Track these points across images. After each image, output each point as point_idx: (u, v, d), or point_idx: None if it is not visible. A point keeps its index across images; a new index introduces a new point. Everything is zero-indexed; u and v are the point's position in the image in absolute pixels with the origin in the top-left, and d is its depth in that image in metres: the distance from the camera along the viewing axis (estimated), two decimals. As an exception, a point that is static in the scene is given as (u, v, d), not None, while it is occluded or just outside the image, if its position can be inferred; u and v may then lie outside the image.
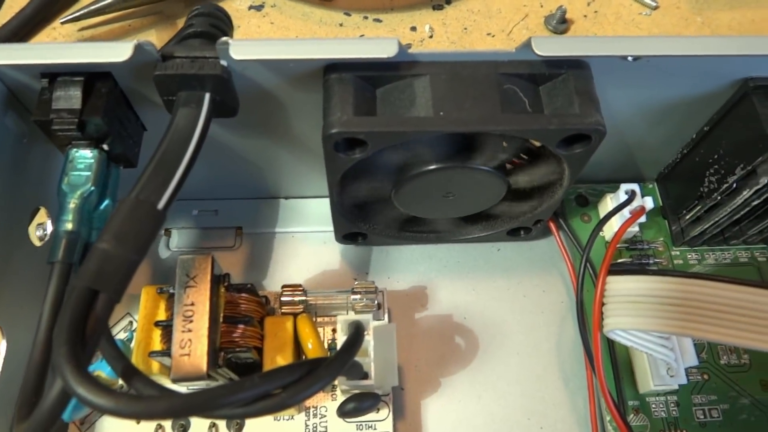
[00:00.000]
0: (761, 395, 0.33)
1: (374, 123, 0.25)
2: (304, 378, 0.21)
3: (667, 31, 0.45)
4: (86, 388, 0.19)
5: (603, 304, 0.28)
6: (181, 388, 0.28)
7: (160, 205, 0.23)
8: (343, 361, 0.23)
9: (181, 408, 0.19)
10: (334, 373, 0.22)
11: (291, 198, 0.39)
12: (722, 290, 0.25)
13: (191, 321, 0.25)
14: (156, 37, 0.43)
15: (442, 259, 0.37)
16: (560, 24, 0.44)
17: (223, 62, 0.25)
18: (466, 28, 0.45)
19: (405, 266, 0.37)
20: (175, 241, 0.37)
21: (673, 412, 0.32)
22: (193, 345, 0.25)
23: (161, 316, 0.28)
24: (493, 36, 0.44)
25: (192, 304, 0.26)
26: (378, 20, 0.45)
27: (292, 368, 0.21)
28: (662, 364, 0.31)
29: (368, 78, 0.26)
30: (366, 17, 0.45)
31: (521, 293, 0.36)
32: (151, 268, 0.36)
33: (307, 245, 0.37)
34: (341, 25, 0.45)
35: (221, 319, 0.27)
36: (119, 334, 0.32)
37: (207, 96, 0.26)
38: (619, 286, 0.27)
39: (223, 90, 0.26)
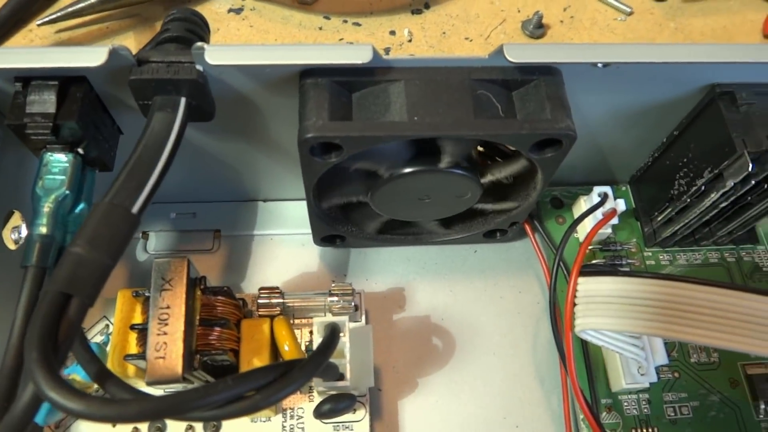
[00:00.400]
0: (730, 392, 0.34)
1: (349, 128, 0.25)
2: (278, 380, 0.21)
3: (641, 37, 0.46)
4: (58, 393, 0.19)
5: (574, 305, 0.28)
6: (158, 391, 0.28)
7: (135, 209, 0.23)
8: (317, 363, 0.23)
9: (153, 411, 0.19)
10: (308, 375, 0.22)
11: (269, 201, 0.39)
12: (691, 291, 0.26)
13: (166, 324, 0.25)
14: (134, 40, 0.43)
15: (419, 260, 0.38)
16: (537, 29, 0.45)
17: (199, 67, 0.26)
18: (444, 33, 0.45)
19: (383, 268, 0.37)
20: (152, 244, 0.37)
21: (645, 410, 0.33)
22: (169, 348, 0.25)
23: (137, 319, 0.28)
24: (471, 40, 0.45)
25: (167, 307, 0.26)
26: (357, 24, 0.45)
27: (266, 370, 0.22)
28: (633, 363, 0.31)
29: (344, 83, 0.26)
30: (345, 21, 0.45)
31: (498, 294, 0.37)
32: (128, 271, 0.36)
33: (285, 248, 0.38)
34: (321, 28, 0.45)
35: (197, 322, 0.27)
36: (96, 338, 0.32)
37: (183, 100, 0.26)
38: (589, 286, 0.27)
39: (199, 95, 0.26)
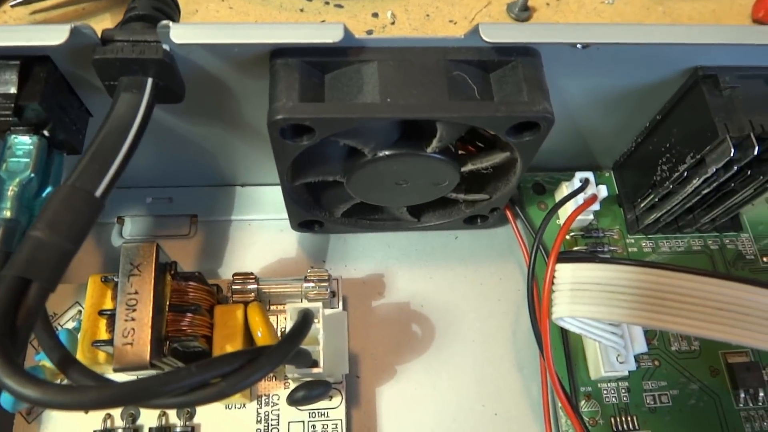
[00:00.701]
0: (710, 381, 0.33)
1: (320, 109, 0.25)
2: (245, 367, 0.21)
3: (628, 20, 0.45)
4: (13, 379, 0.18)
5: (552, 291, 0.28)
6: (128, 378, 0.28)
7: (98, 192, 0.23)
8: (285, 350, 0.22)
9: (111, 398, 0.18)
10: (275, 363, 0.22)
11: (247, 185, 0.38)
12: (670, 278, 0.25)
13: (134, 310, 0.25)
14: (110, 22, 0.42)
15: (399, 246, 0.37)
16: (522, 12, 0.44)
17: (165, 46, 0.25)
18: (428, 15, 0.44)
19: (362, 254, 0.37)
20: (128, 229, 0.36)
21: (624, 398, 0.33)
22: (136, 334, 0.24)
23: (108, 305, 0.27)
24: (456, 23, 0.44)
25: (135, 293, 0.25)
26: (339, 6, 0.44)
27: (232, 357, 0.21)
28: (612, 351, 0.31)
29: (316, 64, 0.26)
30: (327, 3, 0.44)
31: (478, 281, 0.36)
32: (103, 256, 0.36)
33: (263, 233, 0.37)
34: (302, 10, 0.44)
35: (167, 308, 0.26)
36: (68, 324, 0.32)
37: (149, 81, 0.25)
38: (567, 273, 0.27)
39: (167, 75, 0.26)
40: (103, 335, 0.27)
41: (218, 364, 0.20)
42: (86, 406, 0.18)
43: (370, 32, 0.43)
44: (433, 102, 0.25)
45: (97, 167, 0.23)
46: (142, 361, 0.24)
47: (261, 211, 0.37)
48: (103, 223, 0.37)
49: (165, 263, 0.27)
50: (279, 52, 0.25)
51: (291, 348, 0.23)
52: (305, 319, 0.25)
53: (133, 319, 0.25)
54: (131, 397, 0.19)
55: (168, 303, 0.27)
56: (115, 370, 0.24)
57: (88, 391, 0.18)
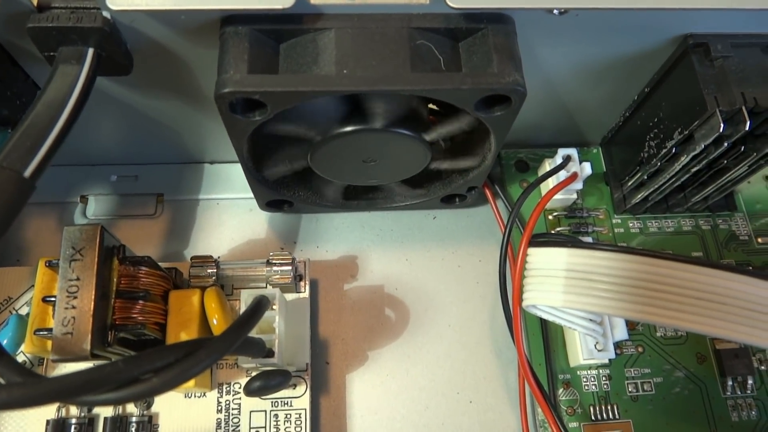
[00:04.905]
0: (696, 368, 0.32)
1: (270, 82, 0.23)
2: (181, 361, 0.19)
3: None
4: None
5: (524, 277, 0.26)
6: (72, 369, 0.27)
7: (27, 172, 0.21)
8: (228, 341, 0.21)
9: (26, 398, 0.17)
10: (216, 355, 0.20)
11: (216, 163, 0.36)
12: (649, 266, 0.24)
13: (75, 297, 0.23)
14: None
15: (374, 227, 0.35)
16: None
17: (105, 14, 0.23)
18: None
19: (335, 235, 0.35)
20: (92, 209, 0.35)
21: (605, 386, 0.31)
22: (77, 323, 0.23)
23: (55, 290, 0.26)
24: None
25: (77, 279, 0.24)
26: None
27: (167, 350, 0.20)
28: (590, 337, 0.29)
29: (269, 32, 0.24)
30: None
31: (456, 263, 0.35)
32: (64, 237, 0.34)
33: (232, 213, 0.35)
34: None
35: (114, 295, 0.25)
36: (22, 309, 0.31)
37: (90, 51, 0.24)
38: (539, 258, 0.25)
39: (110, 45, 0.24)
40: (51, 322, 0.26)
41: (149, 358, 0.19)
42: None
43: None
44: (393, 73, 0.23)
45: (27, 145, 0.21)
46: (82, 352, 0.23)
47: (230, 189, 0.36)
48: (65, 203, 0.35)
49: (112, 247, 0.25)
50: (229, 19, 0.23)
51: (235, 339, 0.21)
52: (256, 307, 0.23)
53: (73, 307, 0.23)
54: (50, 396, 0.17)
55: (115, 289, 0.25)
56: (54, 361, 0.23)
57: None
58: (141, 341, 0.26)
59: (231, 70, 0.23)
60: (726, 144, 0.27)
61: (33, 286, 0.31)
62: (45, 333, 0.25)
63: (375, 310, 0.34)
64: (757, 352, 0.32)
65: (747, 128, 0.26)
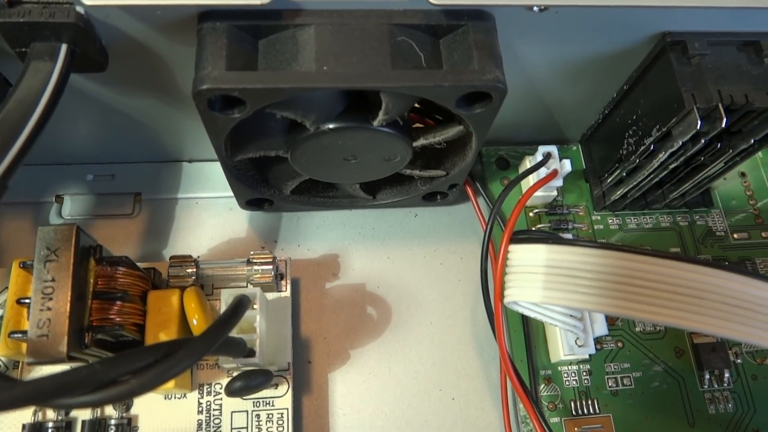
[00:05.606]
0: (675, 363, 0.32)
1: (248, 78, 0.22)
2: (160, 362, 0.19)
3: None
4: None
5: (505, 274, 0.26)
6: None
7: (-2, 172, 0.20)
8: (208, 341, 0.21)
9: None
10: (196, 356, 0.20)
11: (195, 161, 0.36)
12: (625, 261, 0.24)
13: (51, 299, 0.23)
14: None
15: (356, 225, 0.35)
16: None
17: (79, 9, 0.23)
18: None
19: (316, 233, 0.35)
20: (67, 209, 0.34)
21: (585, 381, 0.31)
22: (53, 324, 0.23)
23: (30, 292, 0.25)
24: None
25: (52, 280, 0.23)
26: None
27: (146, 351, 0.19)
28: (571, 334, 0.30)
29: (247, 28, 0.23)
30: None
31: (438, 261, 0.35)
32: (38, 238, 0.33)
33: (211, 212, 0.35)
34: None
35: (91, 296, 0.24)
36: (-4, 311, 0.30)
37: (63, 47, 0.23)
38: (519, 255, 0.25)
39: (84, 41, 0.23)
40: (26, 325, 0.25)
41: (127, 359, 0.19)
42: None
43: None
44: (373, 70, 0.23)
45: (-2, 143, 0.21)
46: (58, 354, 0.22)
47: (209, 188, 0.35)
48: (40, 203, 0.34)
49: (88, 247, 0.25)
50: (206, 14, 0.23)
51: (216, 339, 0.21)
52: (236, 307, 0.23)
53: (49, 309, 0.23)
54: (25, 399, 0.17)
55: (92, 290, 0.25)
56: (29, 364, 0.23)
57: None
58: (119, 343, 0.26)
59: (209, 66, 0.22)
60: (703, 141, 0.28)
61: (7, 288, 0.30)
62: (20, 335, 0.24)
63: (357, 308, 0.33)
64: (734, 345, 0.33)
65: (723, 125, 0.26)
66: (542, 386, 0.31)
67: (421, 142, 0.28)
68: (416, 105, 0.29)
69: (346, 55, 0.23)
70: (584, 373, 0.31)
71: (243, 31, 0.23)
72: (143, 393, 0.19)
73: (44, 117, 0.22)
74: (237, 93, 0.22)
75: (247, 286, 0.30)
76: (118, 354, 0.19)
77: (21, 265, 0.25)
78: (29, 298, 0.24)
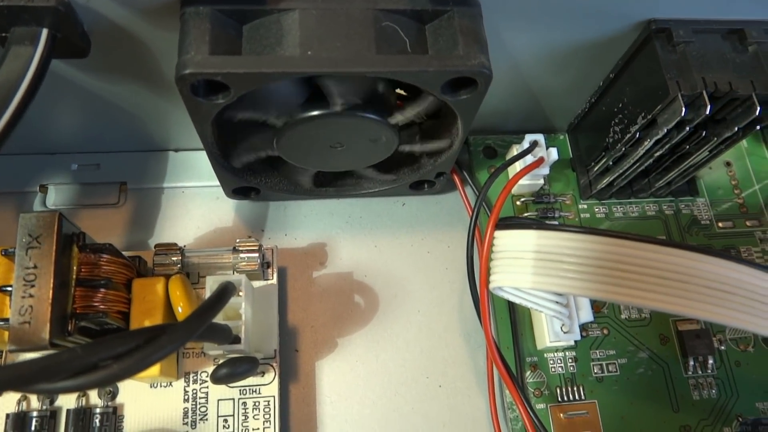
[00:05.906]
0: (659, 349, 0.33)
1: (232, 63, 0.22)
2: (143, 346, 0.19)
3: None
4: None
5: (491, 260, 0.26)
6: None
7: (-24, 158, 0.20)
8: (192, 326, 0.21)
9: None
10: (179, 341, 0.20)
11: (181, 150, 0.36)
12: (611, 245, 0.24)
13: (33, 286, 0.23)
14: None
15: (343, 214, 0.35)
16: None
17: (59, -8, 0.22)
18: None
19: (303, 222, 0.35)
20: (52, 198, 0.34)
21: (571, 368, 0.32)
22: (35, 311, 0.22)
23: (12, 280, 0.25)
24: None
25: (35, 267, 0.23)
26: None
27: (128, 336, 0.19)
28: (557, 320, 0.30)
29: (231, 12, 0.23)
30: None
31: (425, 249, 0.35)
32: (22, 227, 0.33)
33: (198, 201, 0.35)
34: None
35: (74, 283, 0.24)
36: (-21, 300, 0.30)
37: (44, 32, 0.23)
38: (505, 241, 0.25)
39: (65, 25, 0.23)
40: (8, 313, 0.25)
41: (109, 344, 0.18)
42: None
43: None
44: (357, 55, 0.23)
45: (-24, 129, 0.21)
46: (41, 341, 0.22)
47: (195, 177, 0.35)
48: (23, 192, 0.34)
49: (71, 234, 0.25)
50: (189, -1, 0.23)
51: (199, 324, 0.21)
52: (221, 293, 0.23)
53: (31, 296, 0.23)
54: (4, 384, 0.17)
55: (75, 277, 0.24)
56: (11, 351, 0.22)
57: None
58: (104, 330, 0.26)
59: (192, 51, 0.22)
60: (688, 128, 0.28)
61: (-9, 276, 0.30)
62: (2, 323, 0.24)
63: (344, 297, 0.33)
64: (718, 332, 0.33)
65: (707, 112, 0.26)
66: (528, 373, 0.31)
67: (398, 118, 0.27)
68: (402, 92, 0.29)
69: (331, 40, 0.23)
70: (570, 360, 0.32)
71: (227, 15, 0.23)
72: (125, 378, 0.19)
73: (24, 103, 0.22)
74: (220, 78, 0.22)
75: (233, 274, 0.30)
76: (100, 338, 0.19)
77: (3, 253, 0.25)
78: (11, 286, 0.24)
